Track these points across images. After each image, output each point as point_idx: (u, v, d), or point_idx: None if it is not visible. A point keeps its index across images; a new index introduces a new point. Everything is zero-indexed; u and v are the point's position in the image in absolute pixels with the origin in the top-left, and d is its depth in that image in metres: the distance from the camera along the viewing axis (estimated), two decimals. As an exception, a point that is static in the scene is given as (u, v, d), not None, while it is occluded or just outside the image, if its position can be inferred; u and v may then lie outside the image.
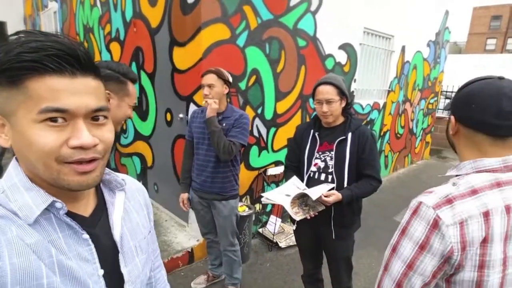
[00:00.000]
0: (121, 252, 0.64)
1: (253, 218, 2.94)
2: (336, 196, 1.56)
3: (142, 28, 3.15)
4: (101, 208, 0.65)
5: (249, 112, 2.90)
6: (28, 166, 0.53)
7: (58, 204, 0.54)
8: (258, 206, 3.19)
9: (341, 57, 3.74)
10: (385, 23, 4.32)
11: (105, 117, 0.56)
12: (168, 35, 2.82)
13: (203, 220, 2.23)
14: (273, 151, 3.22)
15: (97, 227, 0.62)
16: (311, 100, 3.41)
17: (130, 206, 0.71)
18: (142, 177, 3.70)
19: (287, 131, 3.27)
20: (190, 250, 2.72)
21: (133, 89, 1.29)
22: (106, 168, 0.63)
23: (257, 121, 3.01)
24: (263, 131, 3.08)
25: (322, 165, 1.70)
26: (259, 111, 2.99)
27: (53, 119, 0.49)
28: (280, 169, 3.21)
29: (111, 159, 4.37)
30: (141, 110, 3.50)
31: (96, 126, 0.54)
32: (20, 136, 0.49)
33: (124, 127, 3.90)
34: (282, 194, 1.62)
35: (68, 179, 0.52)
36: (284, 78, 3.11)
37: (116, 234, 0.64)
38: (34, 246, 0.51)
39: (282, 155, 3.29)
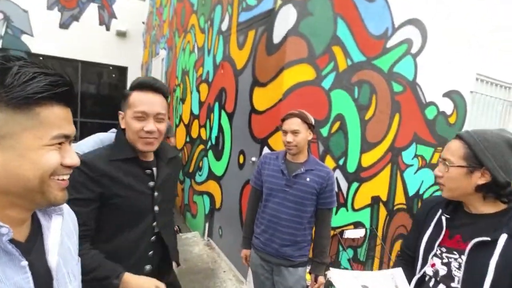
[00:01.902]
0: (56, 279, 0.63)
1: None
2: None
3: (228, 70, 3.22)
4: (36, 233, 0.64)
5: (329, 162, 2.55)
6: (9, 186, 0.53)
7: (4, 229, 0.52)
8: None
9: (446, 106, 3.15)
10: (503, 70, 3.58)
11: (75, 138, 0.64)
12: (251, 75, 2.77)
13: (262, 286, 1.87)
14: (354, 209, 2.73)
15: (32, 253, 0.60)
16: (404, 153, 2.90)
17: (64, 232, 0.71)
18: (209, 218, 3.57)
19: (371, 188, 2.77)
20: (244, 314, 2.34)
21: (137, 97, 1.09)
22: None
23: (337, 173, 2.62)
24: (344, 185, 2.66)
25: (442, 271, 1.02)
26: (340, 162, 2.61)
27: (60, 143, 0.57)
28: (359, 233, 2.68)
29: (185, 195, 4.43)
30: (217, 150, 3.47)
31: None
32: (20, 158, 0.52)
33: (200, 165, 3.92)
34: (358, 283, 1.15)
35: (54, 193, 0.58)
36: (373, 126, 2.70)
37: (52, 260, 0.63)
38: None
39: (363, 216, 2.77)
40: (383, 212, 2.87)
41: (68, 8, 7.94)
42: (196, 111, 4.12)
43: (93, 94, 8.96)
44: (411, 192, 3.04)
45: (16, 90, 0.50)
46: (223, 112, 3.30)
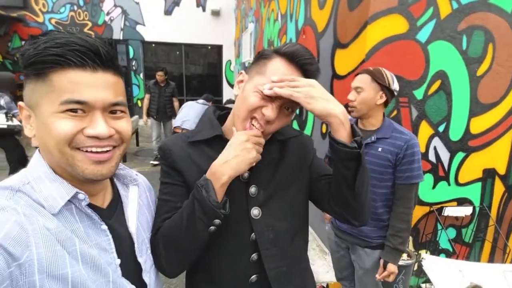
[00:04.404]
0: (137, 243, 0.67)
1: (414, 268, 2.21)
2: None
3: (310, 34, 3.04)
4: (116, 201, 0.68)
5: (425, 129, 2.19)
6: (48, 155, 0.56)
7: (81, 196, 0.56)
8: (424, 253, 2.38)
9: None
10: None
11: (122, 111, 0.60)
12: (332, 37, 2.56)
13: (339, 264, 1.78)
14: (458, 184, 2.32)
15: (112, 218, 0.64)
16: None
17: (141, 202, 0.74)
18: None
19: (484, 159, 2.28)
20: (325, 286, 2.32)
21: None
22: (121, 164, 0.66)
23: (436, 142, 2.24)
24: (445, 155, 2.26)
25: None
26: (440, 128, 2.22)
27: (73, 110, 0.52)
28: (465, 211, 2.27)
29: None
30: (300, 120, 3.40)
31: (113, 118, 0.57)
32: (42, 125, 0.53)
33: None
34: (463, 278, 0.93)
35: (82, 167, 0.54)
36: (489, 83, 2.17)
37: (132, 226, 0.67)
38: (58, 235, 0.52)
39: (471, 192, 2.32)
40: (499, 188, 2.35)
41: (173, -5, 8.71)
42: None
43: (196, 74, 9.84)
44: (544, 166, 2.39)
45: (27, 58, 0.51)
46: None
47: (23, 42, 8.05)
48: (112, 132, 0.55)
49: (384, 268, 1.49)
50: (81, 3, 8.30)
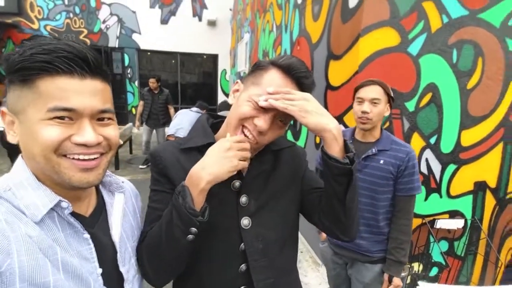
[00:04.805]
0: (119, 252, 0.65)
1: (407, 281, 2.19)
2: None
3: (304, 46, 3.07)
4: (100, 209, 0.66)
5: (417, 141, 2.21)
6: (32, 162, 0.55)
7: (64, 204, 0.56)
8: (417, 266, 2.37)
9: None
10: None
11: (110, 118, 0.58)
12: (326, 49, 2.58)
13: (336, 281, 1.73)
14: (449, 196, 2.32)
15: (95, 227, 0.63)
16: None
17: (126, 209, 0.73)
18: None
19: (475, 172, 2.29)
20: (316, 296, 2.29)
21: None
22: (108, 170, 0.65)
23: (428, 154, 2.25)
24: (436, 167, 2.27)
25: None
26: (432, 140, 2.23)
27: (61, 117, 0.51)
28: (457, 223, 2.27)
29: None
30: (294, 130, 3.40)
31: (101, 125, 0.57)
32: (27, 132, 0.52)
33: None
34: None
35: (69, 174, 0.54)
36: (479, 96, 2.20)
37: (115, 234, 0.66)
38: (40, 243, 0.51)
39: (463, 204, 2.33)
40: (490, 201, 2.36)
41: (167, 4, 8.81)
42: (275, 91, 4.10)
43: (191, 82, 9.87)
44: (534, 179, 2.41)
45: (13, 64, 0.50)
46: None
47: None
48: (100, 139, 0.55)
49: (389, 281, 1.46)
50: (77, 10, 8.33)
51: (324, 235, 1.74)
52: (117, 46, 8.71)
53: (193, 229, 0.67)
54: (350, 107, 2.20)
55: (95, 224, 0.63)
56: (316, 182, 0.90)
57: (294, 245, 0.93)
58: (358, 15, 2.08)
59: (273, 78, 0.74)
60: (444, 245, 2.38)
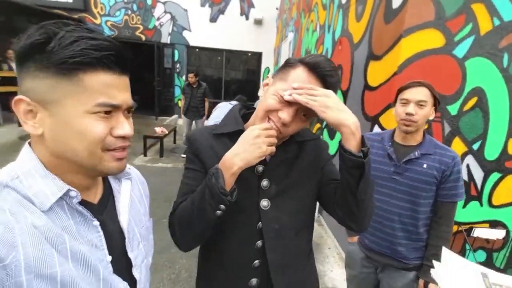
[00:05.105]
0: (127, 238, 0.66)
1: (437, 289, 2.15)
2: None
3: (346, 45, 3.08)
4: (108, 196, 0.66)
5: (458, 146, 2.14)
6: (64, 153, 0.54)
7: (73, 193, 0.55)
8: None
9: None
10: None
11: (130, 111, 0.61)
12: (366, 49, 2.58)
13: (361, 283, 1.66)
14: (491, 205, 2.22)
15: (104, 214, 0.63)
16: None
17: (133, 195, 0.73)
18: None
19: (523, 183, 2.16)
20: (341, 291, 2.32)
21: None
22: None
23: (469, 160, 2.17)
24: (478, 175, 2.18)
25: None
26: (475, 146, 2.15)
27: (107, 112, 0.54)
28: (497, 234, 2.16)
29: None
30: (331, 128, 3.42)
31: (127, 118, 0.59)
32: (65, 125, 0.52)
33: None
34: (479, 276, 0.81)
35: (108, 165, 0.56)
36: (531, 103, 2.07)
37: (123, 220, 0.66)
38: (47, 233, 0.51)
39: (506, 215, 2.21)
40: (537, 215, 2.21)
41: (216, 3, 9.14)
42: (315, 90, 4.13)
43: (235, 79, 10.14)
44: None
45: (56, 54, 0.49)
46: (338, 91, 3.21)
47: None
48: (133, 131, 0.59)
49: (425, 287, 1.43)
50: (135, 8, 8.97)
51: (354, 237, 1.70)
52: (168, 42, 9.23)
53: (222, 206, 0.76)
54: (387, 108, 2.21)
55: (103, 211, 0.63)
56: (335, 174, 0.95)
57: (309, 233, 0.99)
58: (401, 16, 2.07)
59: (299, 75, 0.79)
60: (481, 255, 2.29)
